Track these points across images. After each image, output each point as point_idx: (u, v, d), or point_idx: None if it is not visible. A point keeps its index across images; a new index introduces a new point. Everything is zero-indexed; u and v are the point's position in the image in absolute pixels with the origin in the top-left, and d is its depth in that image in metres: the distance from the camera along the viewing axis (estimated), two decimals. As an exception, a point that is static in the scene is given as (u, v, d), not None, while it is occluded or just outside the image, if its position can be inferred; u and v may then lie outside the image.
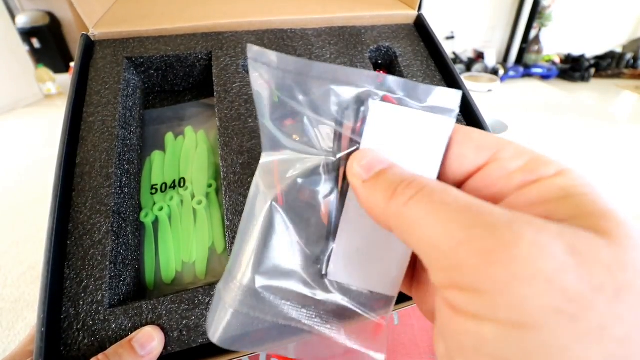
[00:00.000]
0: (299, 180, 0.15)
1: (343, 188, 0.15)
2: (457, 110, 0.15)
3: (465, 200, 0.11)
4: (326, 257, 0.16)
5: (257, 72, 0.15)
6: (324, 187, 0.15)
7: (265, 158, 0.16)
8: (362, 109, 0.15)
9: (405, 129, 0.14)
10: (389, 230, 0.13)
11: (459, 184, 0.14)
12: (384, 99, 0.15)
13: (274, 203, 0.15)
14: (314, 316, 0.15)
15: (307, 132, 0.15)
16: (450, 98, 0.15)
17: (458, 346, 0.10)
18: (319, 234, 0.16)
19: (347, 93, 0.15)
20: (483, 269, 0.09)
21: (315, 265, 0.16)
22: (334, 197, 0.16)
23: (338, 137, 0.15)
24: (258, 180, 0.16)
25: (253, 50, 0.14)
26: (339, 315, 0.15)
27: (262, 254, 0.15)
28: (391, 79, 0.15)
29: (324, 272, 0.16)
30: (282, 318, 0.15)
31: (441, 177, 0.15)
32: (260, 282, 0.15)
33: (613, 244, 0.09)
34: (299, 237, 0.16)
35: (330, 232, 0.16)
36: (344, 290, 0.16)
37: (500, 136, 0.14)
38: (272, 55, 0.14)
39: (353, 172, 0.14)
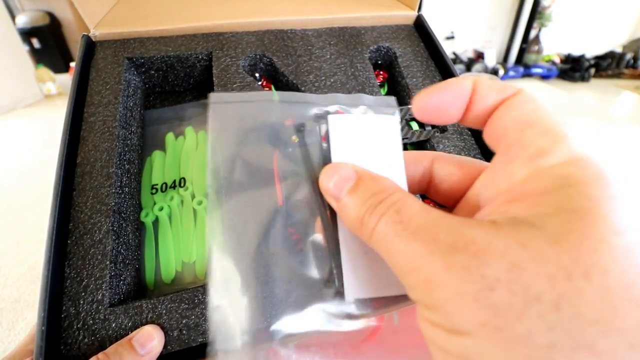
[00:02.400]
0: (283, 207, 0.15)
1: (323, 154, 0.16)
2: (397, 110, 0.17)
3: (419, 221, 0.12)
4: (335, 276, 0.15)
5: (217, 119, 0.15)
6: (310, 207, 0.16)
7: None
8: (322, 126, 0.16)
9: (363, 133, 0.16)
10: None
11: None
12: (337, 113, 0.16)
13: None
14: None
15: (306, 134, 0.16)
16: (387, 101, 0.17)
17: (429, 343, 0.12)
18: (320, 256, 0.15)
19: (302, 116, 0.16)
20: (427, 293, 0.11)
21: (328, 289, 0.15)
22: (321, 214, 0.15)
23: (305, 157, 0.16)
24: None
25: (214, 96, 0.15)
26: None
27: (264, 297, 0.13)
28: (340, 97, 0.17)
29: (339, 291, 0.14)
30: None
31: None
32: (276, 335, 0.13)
33: (565, 248, 0.09)
34: (301, 265, 0.15)
35: (331, 250, 0.15)
36: (365, 304, 0.15)
37: None
38: (229, 97, 0.16)
39: (326, 191, 0.15)
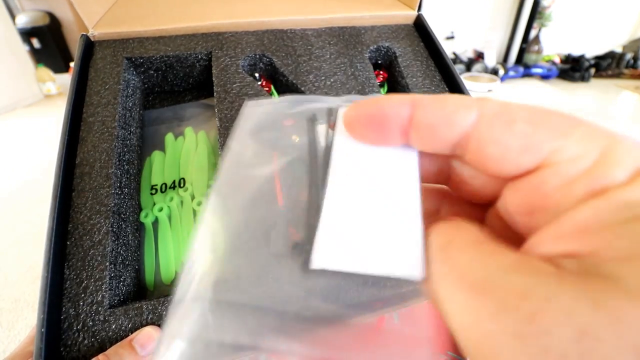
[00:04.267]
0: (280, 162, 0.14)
1: (328, 142, 0.13)
2: None
3: (469, 267, 0.09)
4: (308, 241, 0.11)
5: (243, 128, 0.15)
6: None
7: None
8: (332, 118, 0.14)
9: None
10: None
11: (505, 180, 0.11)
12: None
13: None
14: (296, 329, 0.11)
15: (307, 133, 0.15)
16: None
17: None
18: (298, 213, 0.12)
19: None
20: (479, 355, 0.08)
21: (294, 255, 0.12)
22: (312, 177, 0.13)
23: (312, 148, 0.15)
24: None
25: (249, 103, 0.15)
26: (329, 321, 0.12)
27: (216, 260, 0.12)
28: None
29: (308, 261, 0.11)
30: (254, 338, 0.11)
31: (478, 173, 0.12)
32: (216, 294, 0.11)
33: None
34: (261, 223, 0.12)
35: (314, 207, 0.12)
36: (337, 282, 0.11)
37: None
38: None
39: None
